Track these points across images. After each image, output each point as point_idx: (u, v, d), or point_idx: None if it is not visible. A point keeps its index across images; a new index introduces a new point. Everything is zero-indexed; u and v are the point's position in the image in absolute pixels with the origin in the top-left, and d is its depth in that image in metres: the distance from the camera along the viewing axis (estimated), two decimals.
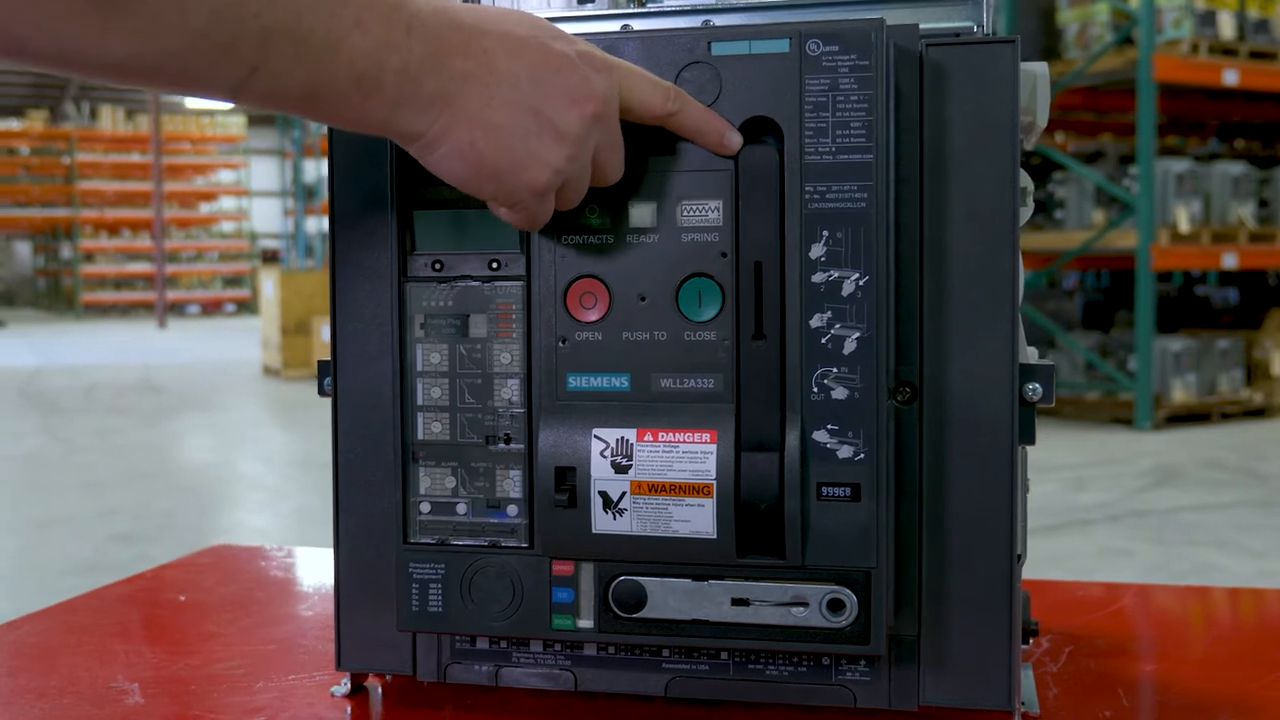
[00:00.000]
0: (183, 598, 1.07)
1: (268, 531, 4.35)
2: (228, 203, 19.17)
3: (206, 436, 6.64)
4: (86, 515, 4.49)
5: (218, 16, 0.54)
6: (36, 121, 17.76)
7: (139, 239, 17.47)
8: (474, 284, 0.73)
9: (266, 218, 20.32)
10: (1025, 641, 0.79)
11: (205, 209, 18.92)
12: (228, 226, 18.89)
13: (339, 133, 0.76)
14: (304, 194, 17.74)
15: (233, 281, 18.62)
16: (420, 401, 0.74)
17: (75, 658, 0.89)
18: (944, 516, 0.71)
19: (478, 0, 0.77)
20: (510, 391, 0.73)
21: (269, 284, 9.44)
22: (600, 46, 0.70)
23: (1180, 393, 6.64)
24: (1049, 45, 7.26)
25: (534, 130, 0.63)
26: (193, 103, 21.72)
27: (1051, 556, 3.85)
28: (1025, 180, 0.77)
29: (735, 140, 0.69)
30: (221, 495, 5.13)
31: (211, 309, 18.19)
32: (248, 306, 17.90)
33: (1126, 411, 6.55)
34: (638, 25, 0.75)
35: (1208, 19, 6.69)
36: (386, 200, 0.74)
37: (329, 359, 0.78)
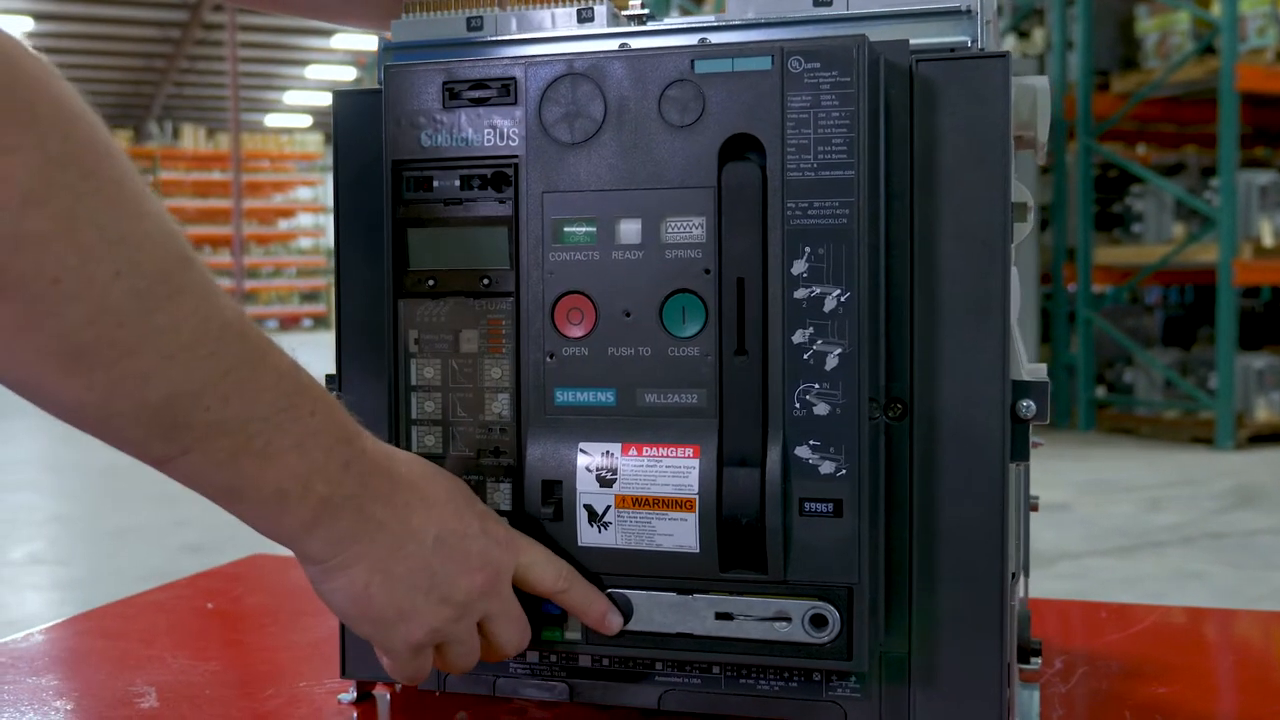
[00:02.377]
0: (210, 605, 1.10)
1: None
2: (305, 219, 19.52)
3: None
4: (160, 525, 4.60)
5: (173, 400, 0.56)
6: (122, 140, 18.20)
7: (219, 255, 17.83)
8: (466, 300, 0.74)
9: None
10: (1025, 661, 0.78)
11: (283, 225, 19.28)
12: (305, 243, 19.24)
13: (343, 155, 0.79)
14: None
15: (309, 297, 18.92)
16: (415, 415, 0.75)
17: (100, 662, 0.92)
18: (935, 534, 0.71)
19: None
20: (501, 406, 0.74)
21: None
22: (588, 66, 0.71)
23: (1264, 412, 6.46)
24: (1128, 55, 7.13)
25: (423, 588, 0.66)
26: (272, 121, 22.20)
27: (1123, 578, 3.78)
28: (1024, 195, 0.77)
29: (615, 622, 0.71)
30: None
31: (289, 324, 18.51)
32: (323, 321, 18.18)
33: (1207, 431, 6.40)
34: (636, 43, 0.76)
35: None
36: (385, 220, 0.75)
37: (334, 373, 0.80)
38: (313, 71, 19.91)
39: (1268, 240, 6.36)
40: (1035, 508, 0.87)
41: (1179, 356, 6.98)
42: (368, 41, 17.16)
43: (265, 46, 18.32)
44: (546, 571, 0.70)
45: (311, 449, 0.61)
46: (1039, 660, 0.80)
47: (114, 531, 4.54)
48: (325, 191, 19.55)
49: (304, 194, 19.42)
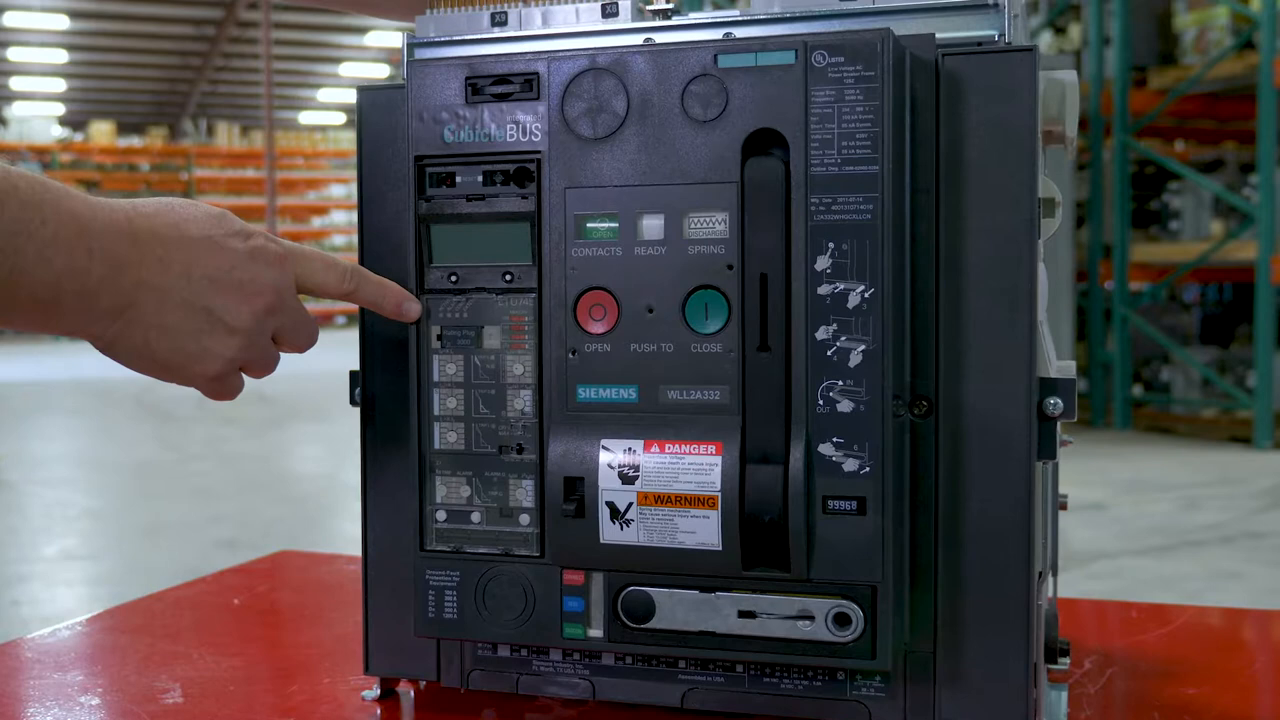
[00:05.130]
0: (237, 601, 1.10)
1: None
2: (339, 216, 19.58)
3: (312, 446, 6.80)
4: (194, 521, 4.62)
5: None
6: (156, 138, 18.35)
7: None
8: (488, 296, 0.74)
9: None
10: (1053, 661, 0.77)
11: (317, 223, 19.35)
12: (339, 240, 19.31)
13: (367, 152, 0.79)
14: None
15: None
16: (437, 411, 0.75)
17: (126, 658, 0.93)
18: (960, 532, 0.70)
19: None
20: (523, 402, 0.74)
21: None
22: (611, 61, 0.70)
23: None
24: (1165, 51, 7.04)
25: (205, 328, 0.68)
26: (306, 118, 22.30)
27: (1160, 578, 3.73)
28: (1052, 191, 0.76)
29: (413, 309, 0.74)
30: (324, 504, 5.25)
31: (323, 321, 18.52)
32: (357, 319, 18.30)
33: (1245, 430, 6.31)
34: (660, 38, 0.76)
35: None
36: (409, 216, 0.75)
37: (359, 370, 0.80)
38: (347, 69, 20.01)
39: None
40: (1064, 506, 0.86)
41: (1217, 355, 6.90)
42: (401, 40, 17.22)
43: (299, 44, 18.43)
44: (330, 276, 0.73)
45: (53, 257, 0.62)
46: (1067, 660, 0.79)
47: (147, 528, 4.57)
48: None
49: (338, 191, 19.49)
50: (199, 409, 8.16)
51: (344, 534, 4.61)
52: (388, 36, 17.81)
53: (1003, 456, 0.69)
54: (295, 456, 6.54)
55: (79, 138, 17.94)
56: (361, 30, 17.85)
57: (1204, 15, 6.76)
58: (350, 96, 22.42)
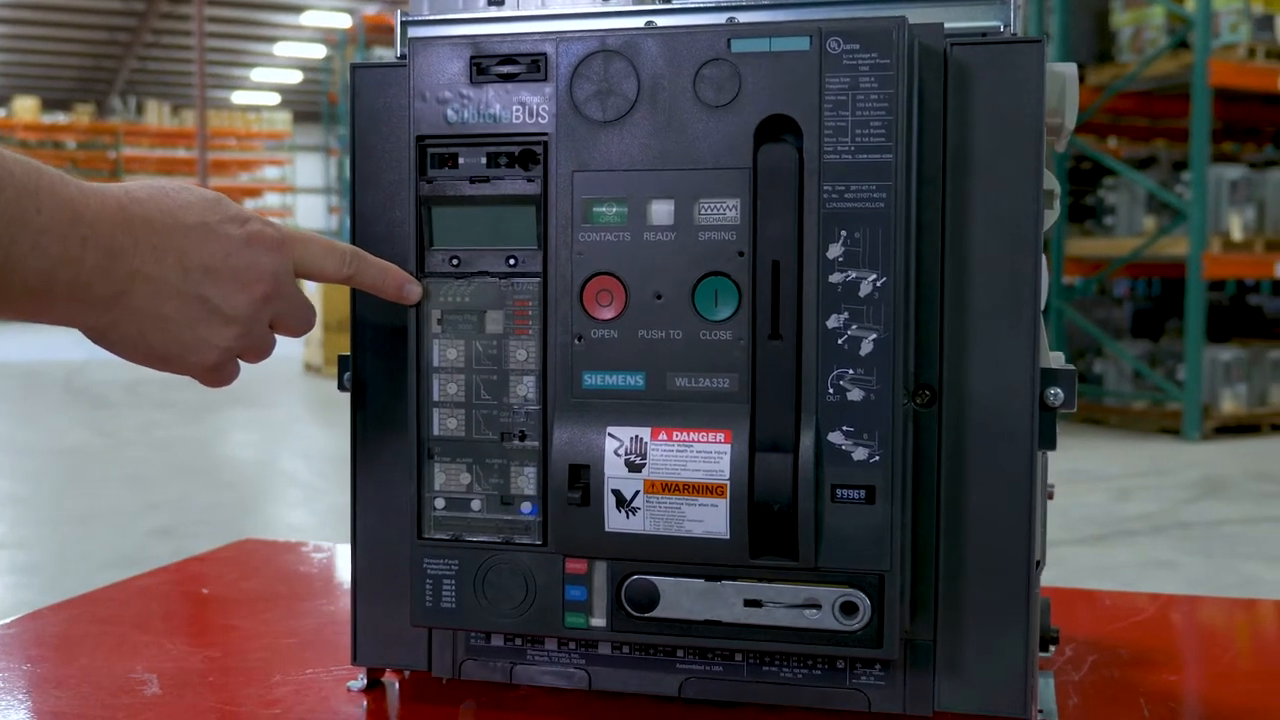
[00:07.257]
0: (206, 590, 1.08)
1: (305, 528, 4.38)
2: (272, 199, 19.28)
3: (248, 432, 6.70)
4: (128, 509, 4.53)
5: None
6: (83, 115, 17.95)
7: None
8: (491, 280, 0.73)
9: (311, 214, 20.41)
10: (1044, 649, 0.78)
11: (250, 205, 19.05)
12: None
13: (360, 131, 0.77)
14: (348, 191, 17.48)
15: None
16: (436, 397, 0.74)
17: (96, 648, 0.90)
18: (962, 521, 0.70)
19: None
20: (526, 388, 0.73)
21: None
22: (622, 43, 0.70)
23: (1230, 403, 6.53)
24: (1103, 49, 7.16)
25: (202, 317, 0.67)
26: (239, 98, 21.93)
27: (1096, 567, 3.80)
28: (1051, 183, 0.76)
29: (414, 292, 0.73)
30: (261, 491, 5.18)
31: None
32: None
33: (1174, 422, 6.46)
34: (661, 21, 0.75)
35: (1265, 23, 6.56)
36: (406, 197, 0.74)
37: (349, 354, 0.79)
38: (282, 49, 19.69)
39: (1237, 234, 6.42)
40: (1051, 496, 0.87)
41: (1148, 348, 7.04)
42: (338, 20, 16.98)
43: (233, 22, 18.10)
44: (329, 261, 0.71)
45: (47, 246, 0.61)
46: (1054, 648, 0.80)
47: (78, 515, 4.47)
48: (293, 171, 19.34)
49: (271, 173, 19.21)
50: (130, 394, 8.00)
51: (283, 521, 4.55)
52: (324, 16, 17.55)
53: (1005, 446, 0.69)
54: (230, 442, 6.44)
55: (1, 114, 17.49)
56: (297, 9, 17.58)
57: (1140, 14, 6.88)
58: (285, 77, 22.15)
